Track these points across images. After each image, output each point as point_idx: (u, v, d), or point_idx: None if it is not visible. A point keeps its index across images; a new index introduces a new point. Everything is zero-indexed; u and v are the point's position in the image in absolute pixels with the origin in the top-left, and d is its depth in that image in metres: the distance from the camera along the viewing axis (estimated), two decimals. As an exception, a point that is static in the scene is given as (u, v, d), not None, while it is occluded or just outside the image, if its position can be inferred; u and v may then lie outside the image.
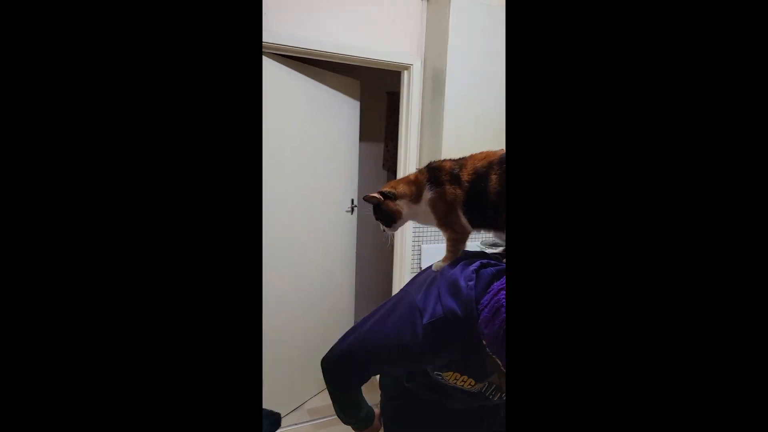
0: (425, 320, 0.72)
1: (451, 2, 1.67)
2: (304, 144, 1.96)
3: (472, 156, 0.82)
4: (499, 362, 0.64)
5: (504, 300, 0.64)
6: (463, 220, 0.81)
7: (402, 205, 0.85)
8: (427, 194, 0.83)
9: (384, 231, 0.89)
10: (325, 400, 2.25)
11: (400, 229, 0.92)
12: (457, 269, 0.76)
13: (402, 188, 0.86)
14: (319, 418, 2.05)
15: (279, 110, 1.81)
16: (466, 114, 1.78)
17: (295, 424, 2.02)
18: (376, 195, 0.85)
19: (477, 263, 0.76)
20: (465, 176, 0.80)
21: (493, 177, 0.76)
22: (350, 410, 0.92)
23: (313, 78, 1.96)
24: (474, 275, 0.73)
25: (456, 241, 0.86)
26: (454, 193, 0.80)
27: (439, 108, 1.77)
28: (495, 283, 0.69)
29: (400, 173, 2.00)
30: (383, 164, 3.37)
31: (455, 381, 0.81)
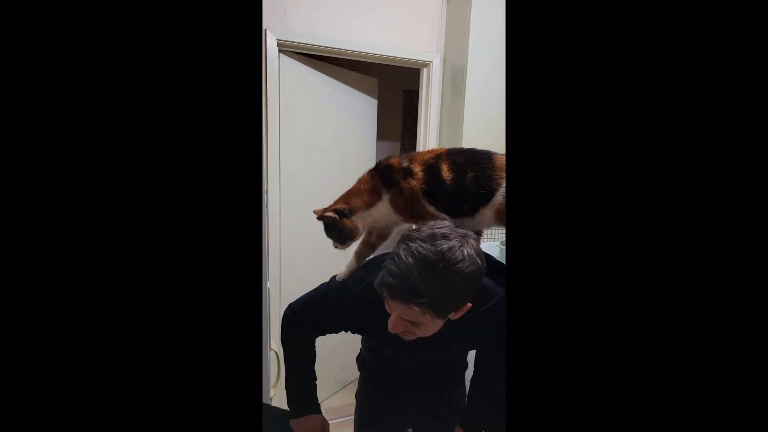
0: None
1: (472, -2, 1.64)
2: (321, 142, 1.96)
3: (418, 152, 0.82)
4: None
5: None
6: (431, 208, 0.79)
7: (357, 220, 0.81)
8: (386, 196, 0.80)
9: (336, 247, 0.86)
10: (343, 399, 2.24)
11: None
12: None
13: (355, 202, 0.82)
14: (337, 418, 2.04)
15: (297, 108, 1.80)
16: (486, 111, 1.75)
17: (311, 423, 2.02)
18: (331, 214, 0.80)
19: None
20: (416, 168, 0.79)
21: (444, 166, 0.77)
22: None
23: (330, 76, 1.95)
24: None
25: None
26: (410, 186, 0.78)
27: (459, 105, 1.74)
28: None
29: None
30: (400, 163, 3.34)
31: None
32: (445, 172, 0.77)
